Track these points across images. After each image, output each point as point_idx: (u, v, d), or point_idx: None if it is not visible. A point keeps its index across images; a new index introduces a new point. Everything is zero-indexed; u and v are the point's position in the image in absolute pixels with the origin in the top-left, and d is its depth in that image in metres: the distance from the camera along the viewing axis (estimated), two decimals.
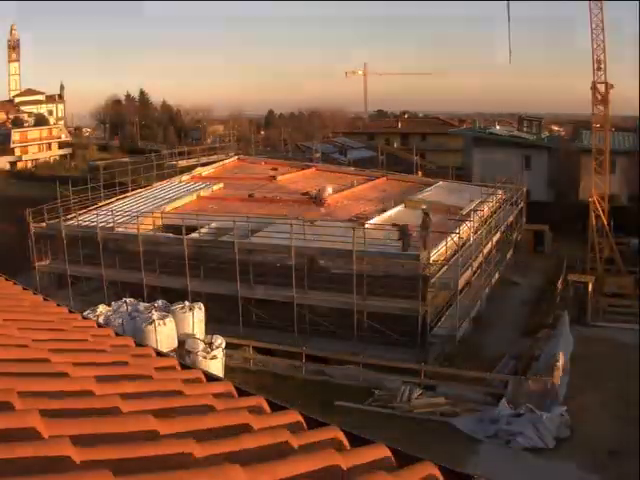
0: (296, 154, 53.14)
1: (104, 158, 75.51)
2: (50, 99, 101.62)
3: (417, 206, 26.94)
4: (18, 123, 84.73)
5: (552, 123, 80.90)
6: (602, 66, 27.39)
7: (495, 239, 27.15)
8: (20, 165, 76.86)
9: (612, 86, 28.19)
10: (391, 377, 19.81)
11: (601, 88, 27.84)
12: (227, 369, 18.88)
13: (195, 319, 19.81)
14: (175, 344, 18.86)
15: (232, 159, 41.41)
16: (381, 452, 2.67)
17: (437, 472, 2.54)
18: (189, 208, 28.17)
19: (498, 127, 51.43)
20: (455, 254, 21.79)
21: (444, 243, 22.17)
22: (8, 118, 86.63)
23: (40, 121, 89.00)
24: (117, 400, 2.77)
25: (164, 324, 18.73)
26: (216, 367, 18.10)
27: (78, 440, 2.20)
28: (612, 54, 27.69)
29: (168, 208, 28.09)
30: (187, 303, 20.35)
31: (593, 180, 29.49)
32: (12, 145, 77.87)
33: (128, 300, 20.69)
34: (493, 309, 27.00)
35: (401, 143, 67.57)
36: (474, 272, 23.70)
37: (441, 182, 36.32)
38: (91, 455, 2.16)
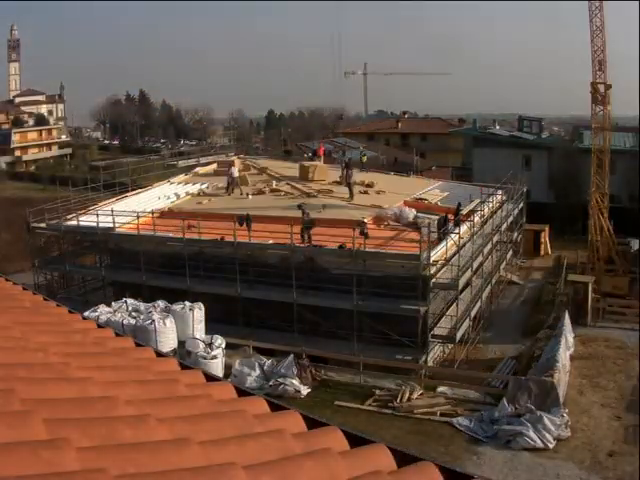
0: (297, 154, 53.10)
1: (104, 158, 75.61)
2: (50, 99, 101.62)
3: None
4: (18, 123, 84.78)
5: (552, 123, 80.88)
6: (602, 66, 27.32)
7: (495, 239, 27.15)
8: (20, 165, 76.85)
9: (610, 86, 28.19)
10: (391, 377, 19.84)
11: (601, 88, 27.79)
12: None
13: (195, 319, 19.83)
14: (175, 344, 18.88)
15: (232, 159, 41.38)
16: (381, 452, 2.67)
17: (437, 472, 2.54)
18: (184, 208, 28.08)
19: (498, 127, 51.45)
20: (455, 254, 21.78)
21: (444, 243, 22.17)
22: (8, 118, 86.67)
23: (40, 121, 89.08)
24: (117, 401, 2.77)
25: (164, 324, 18.75)
26: (216, 367, 18.13)
27: (78, 441, 2.20)
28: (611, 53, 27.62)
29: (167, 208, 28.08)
30: (187, 303, 20.37)
31: (593, 180, 29.35)
32: (12, 145, 77.90)
33: (128, 300, 20.71)
34: (493, 309, 27.05)
35: (401, 143, 67.58)
36: (474, 272, 23.70)
37: (440, 182, 36.35)
38: (91, 456, 2.16)
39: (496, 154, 42.71)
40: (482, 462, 15.50)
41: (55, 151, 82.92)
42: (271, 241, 22.49)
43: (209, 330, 20.12)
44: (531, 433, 16.04)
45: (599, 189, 29.17)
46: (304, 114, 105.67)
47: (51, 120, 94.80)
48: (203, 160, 42.69)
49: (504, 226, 29.68)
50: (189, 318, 19.69)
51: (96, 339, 4.28)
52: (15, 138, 78.77)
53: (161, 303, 20.35)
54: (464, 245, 22.62)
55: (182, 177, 35.27)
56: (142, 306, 20.13)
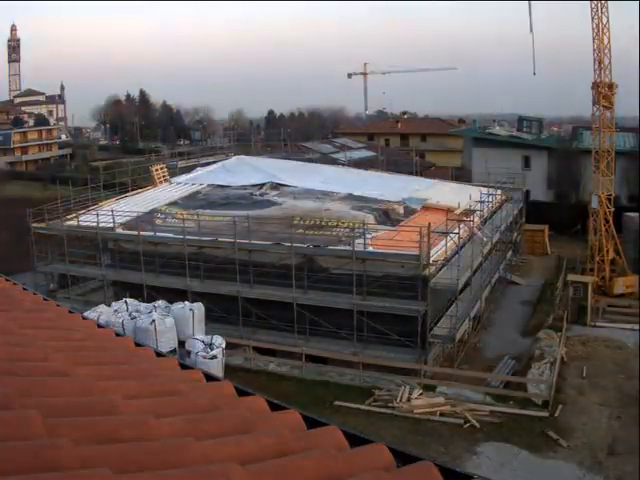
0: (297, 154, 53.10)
1: (104, 158, 75.58)
2: (50, 99, 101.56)
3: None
4: (18, 123, 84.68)
5: (552, 124, 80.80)
6: (603, 65, 27.28)
7: (495, 239, 27.15)
8: (20, 165, 76.82)
9: (614, 86, 28.08)
10: (391, 377, 19.83)
11: (604, 88, 27.65)
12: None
13: (195, 319, 19.82)
14: (175, 344, 18.87)
15: (231, 159, 41.42)
16: (381, 452, 2.67)
17: (437, 472, 2.54)
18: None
19: (497, 127, 51.45)
20: (455, 254, 21.79)
21: (444, 243, 22.17)
22: (8, 118, 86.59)
23: (40, 121, 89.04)
24: (117, 400, 2.78)
25: (164, 324, 18.74)
26: (216, 367, 18.11)
27: (78, 440, 2.21)
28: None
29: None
30: (187, 303, 20.36)
31: (593, 181, 29.34)
32: (12, 145, 77.88)
33: (128, 300, 20.70)
34: (493, 309, 27.05)
35: (401, 144, 67.61)
36: (474, 272, 23.70)
37: (439, 182, 36.40)
38: (91, 455, 2.16)
39: (496, 154, 42.72)
40: (482, 462, 15.49)
41: (55, 151, 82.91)
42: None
43: (209, 330, 20.11)
44: None
45: (605, 191, 28.81)
46: (304, 114, 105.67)
47: (51, 120, 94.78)
48: (203, 160, 42.65)
49: (504, 226, 29.70)
50: (189, 318, 19.68)
51: (96, 339, 4.29)
52: (15, 138, 78.75)
53: (161, 303, 20.34)
54: (464, 245, 22.63)
55: (183, 177, 35.32)
56: (142, 306, 20.12)
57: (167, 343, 18.15)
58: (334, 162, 45.31)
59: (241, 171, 35.34)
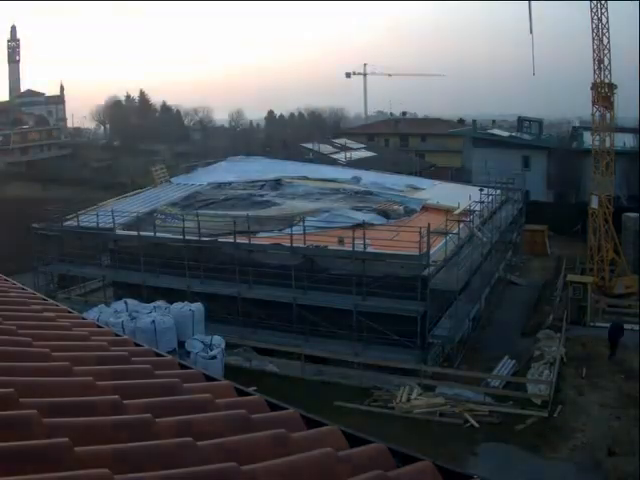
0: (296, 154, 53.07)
1: (104, 159, 75.58)
2: (50, 100, 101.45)
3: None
4: (18, 124, 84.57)
5: (552, 124, 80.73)
6: (603, 66, 27.27)
7: (495, 239, 27.15)
8: (20, 166, 76.72)
9: (614, 87, 28.05)
10: (391, 377, 19.84)
11: (604, 89, 27.65)
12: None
13: (195, 319, 19.83)
14: (175, 344, 18.88)
15: (231, 159, 41.46)
16: (381, 452, 2.67)
17: (436, 472, 2.54)
18: None
19: (497, 128, 51.48)
20: (455, 254, 21.79)
21: (443, 243, 22.17)
22: (8, 119, 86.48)
23: (40, 122, 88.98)
24: (117, 402, 2.78)
25: (164, 324, 18.75)
26: (216, 367, 18.13)
27: (77, 439, 2.21)
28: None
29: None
30: (187, 303, 20.37)
31: (593, 181, 29.36)
32: (12, 146, 77.80)
33: (128, 300, 20.70)
34: (493, 309, 27.04)
35: (401, 144, 67.53)
36: (473, 272, 23.70)
37: (439, 182, 36.43)
38: (90, 454, 2.16)
39: (495, 155, 42.73)
40: (482, 462, 15.50)
41: (55, 152, 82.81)
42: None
43: (209, 330, 20.11)
44: None
45: (605, 191, 28.76)
46: (304, 115, 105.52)
47: (51, 121, 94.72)
48: (203, 161, 42.77)
49: (503, 226, 29.71)
50: (189, 318, 19.69)
51: (96, 340, 4.29)
52: (15, 139, 78.66)
53: (161, 303, 20.35)
54: (463, 245, 22.64)
55: (183, 177, 35.36)
56: (142, 306, 20.13)
57: (167, 343, 18.16)
58: (334, 162, 45.32)
59: (241, 171, 35.38)
